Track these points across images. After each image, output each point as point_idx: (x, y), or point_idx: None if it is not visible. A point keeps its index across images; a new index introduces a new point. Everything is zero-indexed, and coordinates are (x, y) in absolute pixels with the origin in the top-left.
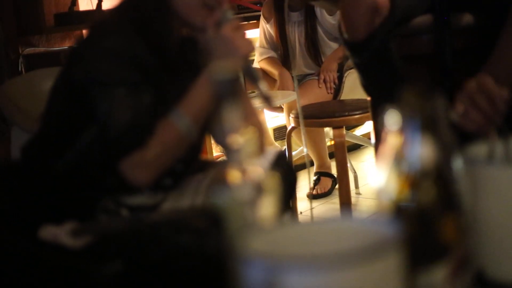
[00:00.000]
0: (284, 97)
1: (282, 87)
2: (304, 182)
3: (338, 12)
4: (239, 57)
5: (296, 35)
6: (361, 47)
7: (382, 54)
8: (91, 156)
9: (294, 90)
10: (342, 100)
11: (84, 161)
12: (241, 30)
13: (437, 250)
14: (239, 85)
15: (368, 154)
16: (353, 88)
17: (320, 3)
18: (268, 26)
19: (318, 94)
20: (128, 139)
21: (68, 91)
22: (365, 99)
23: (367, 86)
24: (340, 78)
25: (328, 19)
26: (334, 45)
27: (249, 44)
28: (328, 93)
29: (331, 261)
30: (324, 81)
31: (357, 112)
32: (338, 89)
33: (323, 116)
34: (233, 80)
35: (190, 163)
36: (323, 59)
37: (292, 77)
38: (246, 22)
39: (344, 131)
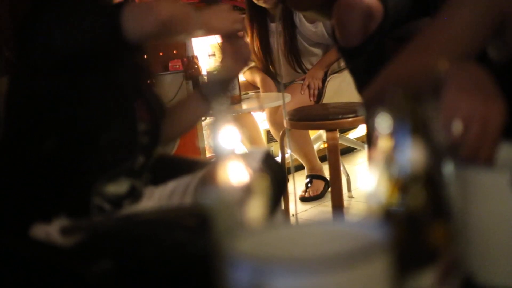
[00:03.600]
0: (270, 101)
1: (265, 92)
2: (297, 185)
3: (319, 20)
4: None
5: (277, 45)
6: (357, 53)
7: (377, 58)
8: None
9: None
10: (336, 103)
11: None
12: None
13: (426, 254)
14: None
15: (361, 157)
16: (335, 92)
17: (310, 12)
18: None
19: (300, 99)
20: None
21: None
22: (358, 102)
23: (362, 90)
24: (323, 82)
25: (308, 26)
26: (317, 51)
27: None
28: (310, 100)
29: (318, 264)
30: (308, 87)
31: (351, 115)
32: (320, 94)
33: (317, 118)
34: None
35: (151, 152)
36: (306, 66)
37: (278, 82)
38: None
39: (338, 134)
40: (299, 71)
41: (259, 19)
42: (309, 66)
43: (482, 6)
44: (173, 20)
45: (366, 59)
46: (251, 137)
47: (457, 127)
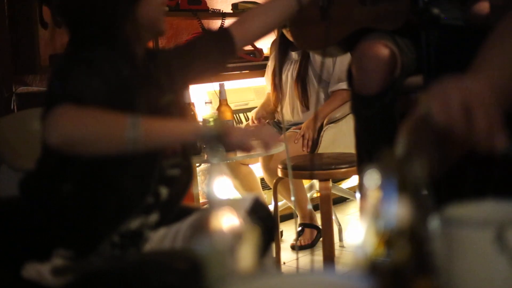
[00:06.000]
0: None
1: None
2: (289, 233)
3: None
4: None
5: (289, 73)
6: (372, 101)
7: (388, 110)
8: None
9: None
10: (329, 153)
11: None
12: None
13: None
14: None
15: (353, 207)
16: (331, 142)
17: (318, 52)
18: (270, 60)
19: (293, 148)
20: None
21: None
22: (352, 153)
23: (363, 140)
24: (318, 132)
25: (318, 58)
26: (318, 88)
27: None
28: (303, 150)
29: None
30: (303, 137)
31: (344, 166)
32: (315, 144)
33: (310, 168)
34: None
35: (178, 198)
36: (309, 102)
37: (281, 127)
38: (239, 72)
39: (330, 184)
40: (302, 103)
41: (283, 46)
42: (310, 103)
43: None
44: (66, 143)
45: (380, 108)
46: (247, 185)
47: (455, 118)
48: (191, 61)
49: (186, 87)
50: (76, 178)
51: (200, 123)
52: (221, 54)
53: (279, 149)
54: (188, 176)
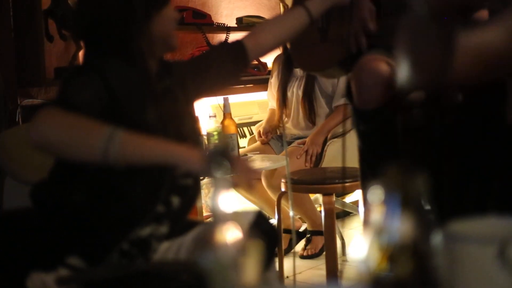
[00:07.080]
0: (268, 163)
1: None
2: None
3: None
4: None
5: (295, 89)
6: (372, 116)
7: (388, 125)
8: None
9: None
10: (333, 167)
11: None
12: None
13: None
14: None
15: (357, 221)
16: (335, 157)
17: (325, 73)
18: (273, 76)
19: (296, 162)
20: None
21: None
22: (355, 168)
23: (364, 155)
24: (322, 147)
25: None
26: (324, 104)
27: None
28: (305, 165)
29: None
30: (306, 153)
31: (348, 180)
32: (319, 159)
33: (313, 182)
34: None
35: (188, 208)
36: (315, 118)
37: (282, 141)
38: (243, 86)
39: (334, 198)
40: (309, 120)
41: (288, 61)
42: (316, 119)
43: None
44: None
45: (378, 124)
46: (261, 197)
47: None
48: (205, 72)
49: (200, 99)
50: (87, 186)
51: (193, 150)
52: (234, 65)
53: (281, 163)
54: (198, 187)
